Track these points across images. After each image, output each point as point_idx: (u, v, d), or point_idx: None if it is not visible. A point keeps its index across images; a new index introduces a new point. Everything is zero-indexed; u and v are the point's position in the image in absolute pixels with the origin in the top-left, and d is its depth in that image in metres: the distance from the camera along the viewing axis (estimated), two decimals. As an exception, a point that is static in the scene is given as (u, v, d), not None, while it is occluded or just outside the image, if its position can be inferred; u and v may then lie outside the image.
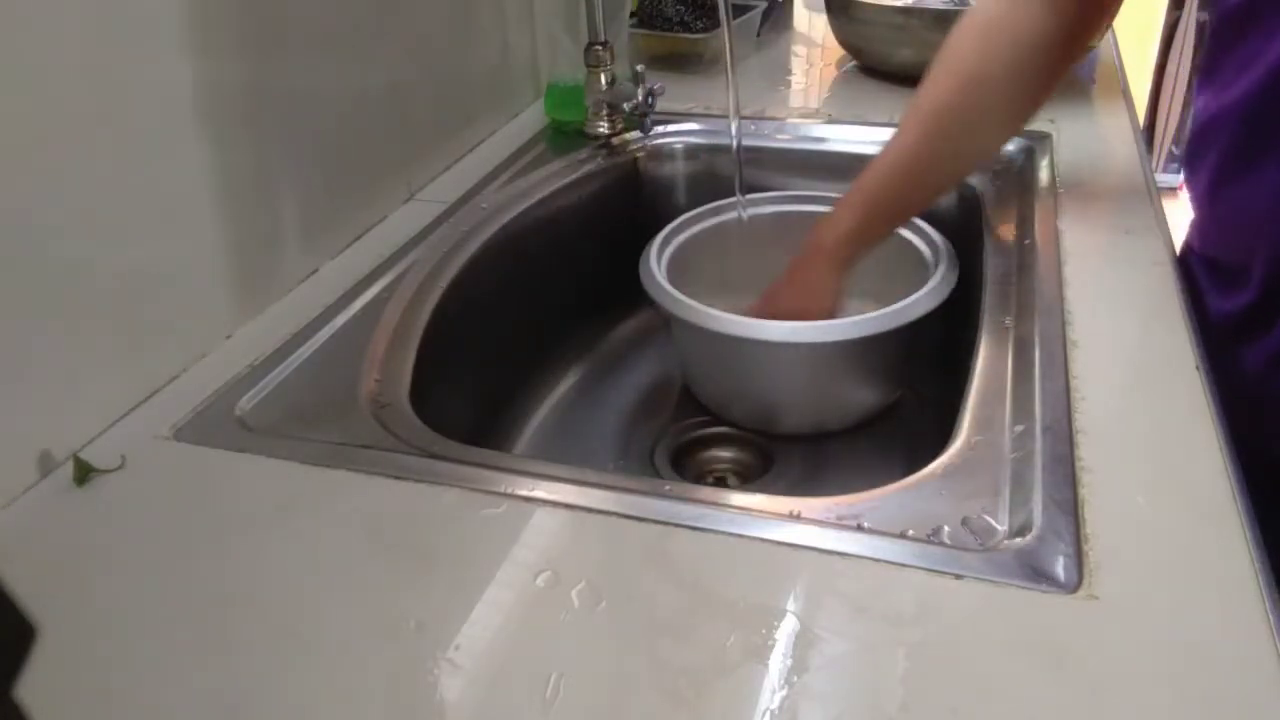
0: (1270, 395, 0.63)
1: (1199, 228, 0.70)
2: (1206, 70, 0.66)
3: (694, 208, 0.84)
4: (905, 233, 0.78)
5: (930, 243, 0.76)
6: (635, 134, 0.94)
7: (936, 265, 0.72)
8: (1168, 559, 0.42)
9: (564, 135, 0.95)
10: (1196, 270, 0.70)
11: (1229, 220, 0.66)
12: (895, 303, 0.68)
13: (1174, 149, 2.68)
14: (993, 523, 0.45)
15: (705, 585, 0.42)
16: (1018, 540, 0.44)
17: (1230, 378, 0.56)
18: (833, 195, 0.82)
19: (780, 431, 0.77)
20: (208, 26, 0.59)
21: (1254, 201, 0.62)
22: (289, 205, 0.67)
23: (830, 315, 0.72)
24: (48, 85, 0.49)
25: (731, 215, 0.83)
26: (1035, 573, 0.42)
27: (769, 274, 0.86)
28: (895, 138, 0.69)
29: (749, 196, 0.83)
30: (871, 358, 0.72)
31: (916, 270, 0.74)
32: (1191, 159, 0.68)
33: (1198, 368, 0.54)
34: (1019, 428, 0.51)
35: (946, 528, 0.45)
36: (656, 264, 0.75)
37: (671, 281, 0.73)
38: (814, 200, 0.84)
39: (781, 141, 0.93)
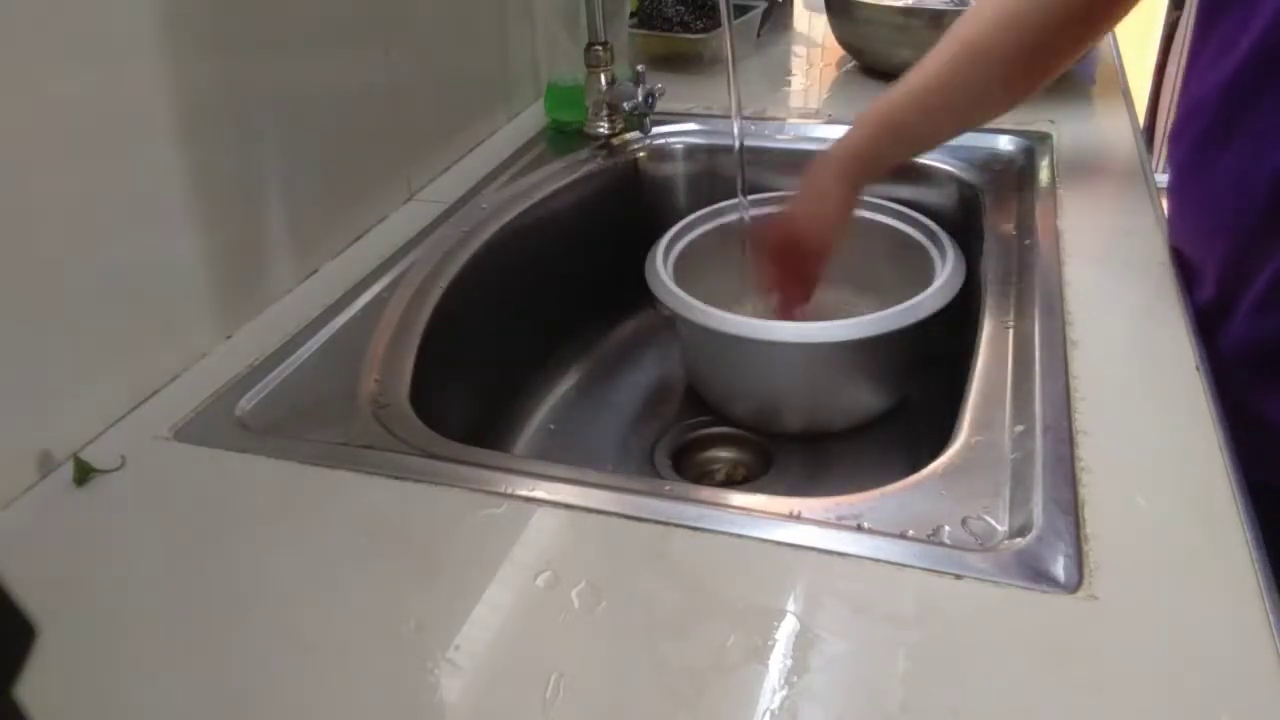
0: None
1: (1169, 220, 0.69)
2: (1191, 55, 0.65)
3: (694, 208, 0.84)
4: (907, 228, 0.78)
5: (934, 239, 0.76)
6: (635, 134, 0.94)
7: (942, 262, 0.72)
8: (1168, 559, 0.42)
9: (564, 135, 0.95)
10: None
11: (1190, 211, 0.65)
12: (900, 301, 0.68)
13: (1171, 163, 2.67)
14: (993, 523, 0.45)
15: (705, 585, 0.42)
16: (1018, 540, 0.44)
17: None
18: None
19: (783, 431, 0.77)
20: (208, 27, 0.59)
21: (1215, 190, 0.62)
22: (289, 205, 0.67)
23: (834, 223, 0.74)
24: (43, 86, 0.49)
25: (734, 217, 0.83)
26: (1035, 573, 0.42)
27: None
28: (921, 64, 0.69)
29: (751, 197, 0.83)
30: (876, 358, 0.72)
31: (921, 267, 0.74)
32: (1170, 149, 0.68)
33: (1198, 368, 0.54)
34: (1019, 428, 0.51)
35: (946, 528, 0.45)
36: (663, 265, 0.76)
37: (676, 283, 0.73)
38: None
39: (782, 142, 0.93)
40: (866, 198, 0.81)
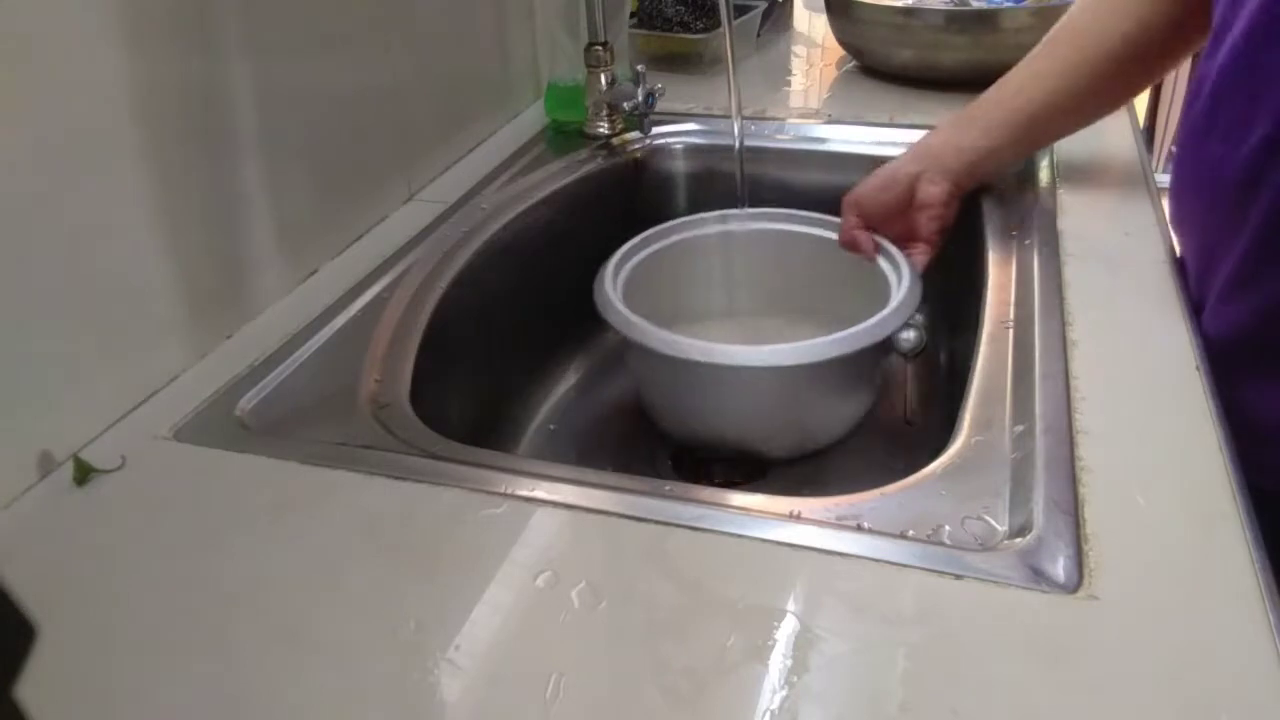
0: None
1: (1169, 209, 0.70)
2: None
3: (694, 208, 0.84)
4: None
5: (890, 258, 0.73)
6: (635, 134, 0.94)
7: (899, 282, 0.70)
8: (1168, 559, 0.42)
9: (564, 135, 0.95)
10: None
11: (1180, 197, 0.65)
12: (855, 317, 0.65)
13: (1174, 149, 2.67)
14: (993, 523, 0.45)
15: (705, 585, 0.42)
16: (1018, 540, 0.44)
17: None
18: (815, 215, 0.80)
19: (755, 451, 0.74)
20: (207, 28, 0.59)
21: (1200, 176, 0.62)
22: (289, 205, 0.67)
23: (882, 204, 0.73)
24: (46, 85, 0.49)
25: (692, 234, 0.80)
26: (1035, 573, 0.42)
27: (748, 293, 0.83)
28: (1032, 67, 0.73)
29: (722, 212, 0.81)
30: (837, 379, 0.69)
31: (876, 286, 0.71)
32: (1176, 131, 0.68)
33: (1198, 368, 0.54)
34: (1019, 428, 0.51)
35: (947, 528, 0.45)
36: (612, 286, 0.71)
37: (629, 304, 0.69)
38: (797, 220, 0.81)
39: (781, 142, 0.93)
40: (813, 214, 0.80)
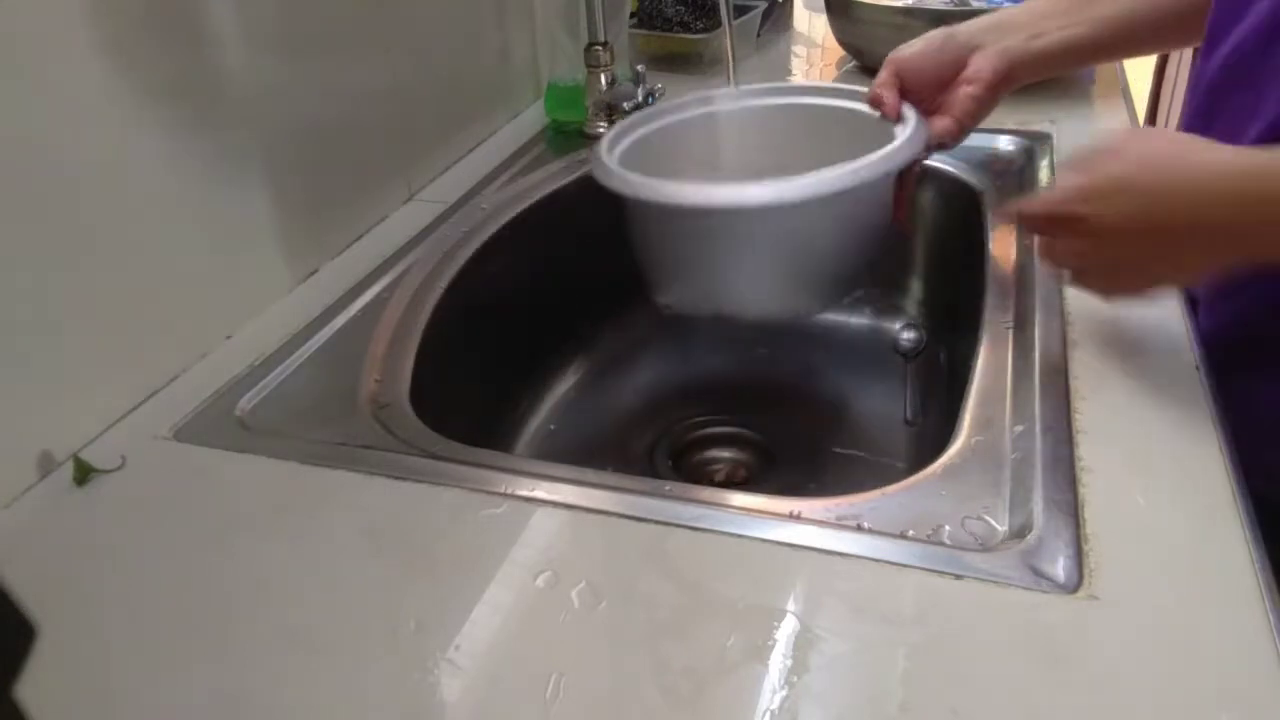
0: None
1: None
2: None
3: None
4: (857, 105, 0.71)
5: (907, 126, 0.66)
6: (635, 134, 0.94)
7: (902, 124, 0.65)
8: (1168, 559, 0.42)
9: (564, 135, 0.95)
10: None
11: None
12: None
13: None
14: (993, 523, 0.45)
15: (705, 585, 0.42)
16: (1018, 540, 0.44)
17: None
18: (824, 84, 0.76)
19: (758, 317, 0.71)
20: (204, 26, 0.59)
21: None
22: (289, 205, 0.67)
23: (915, 69, 0.67)
24: (44, 87, 0.49)
25: (684, 115, 0.76)
26: (1035, 573, 0.42)
27: (747, 168, 0.75)
28: None
29: (706, 93, 0.76)
30: (842, 217, 0.64)
31: (880, 138, 0.65)
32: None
33: (1197, 367, 0.54)
34: (1019, 428, 0.51)
35: (947, 528, 0.45)
36: (608, 157, 0.67)
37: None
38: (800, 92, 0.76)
39: (781, 141, 0.93)
40: (823, 84, 0.75)
